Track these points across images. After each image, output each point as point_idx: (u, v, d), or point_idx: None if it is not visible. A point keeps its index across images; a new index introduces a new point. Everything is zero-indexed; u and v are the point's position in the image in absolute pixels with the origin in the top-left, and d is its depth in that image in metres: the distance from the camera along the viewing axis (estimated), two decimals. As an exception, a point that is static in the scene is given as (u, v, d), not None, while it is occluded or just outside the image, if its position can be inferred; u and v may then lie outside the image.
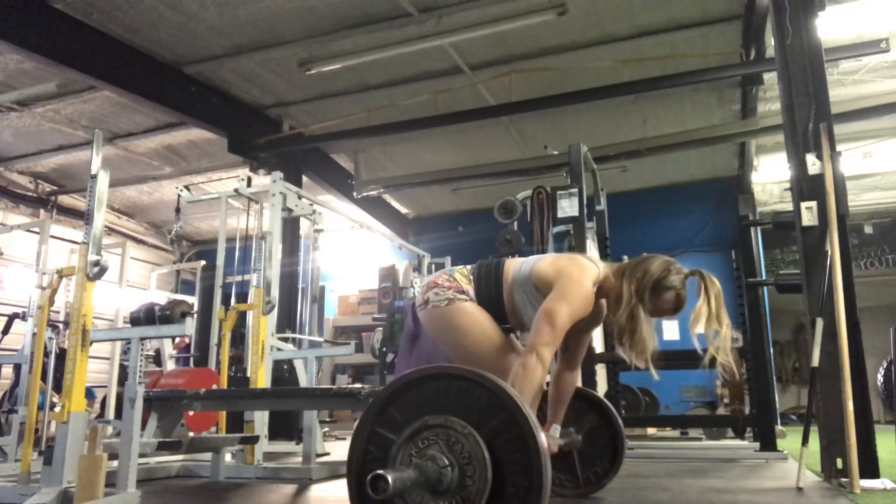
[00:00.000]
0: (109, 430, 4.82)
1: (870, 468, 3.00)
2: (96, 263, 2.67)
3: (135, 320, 5.88)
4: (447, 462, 1.58)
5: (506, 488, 1.57)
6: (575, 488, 2.75)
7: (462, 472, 1.58)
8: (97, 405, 7.37)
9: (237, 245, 6.06)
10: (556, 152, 7.22)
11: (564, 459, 2.69)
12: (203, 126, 7.11)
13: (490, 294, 2.37)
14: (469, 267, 2.46)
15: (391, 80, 6.79)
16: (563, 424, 2.60)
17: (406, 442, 1.63)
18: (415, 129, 7.01)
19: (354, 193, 8.46)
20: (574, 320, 2.19)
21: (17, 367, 5.14)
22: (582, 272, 2.24)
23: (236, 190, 5.65)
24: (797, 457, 3.09)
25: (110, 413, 5.82)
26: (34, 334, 3.93)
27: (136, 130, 7.83)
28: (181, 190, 5.97)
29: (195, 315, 6.28)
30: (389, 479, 1.44)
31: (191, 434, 3.60)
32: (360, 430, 1.72)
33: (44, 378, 4.16)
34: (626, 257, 10.33)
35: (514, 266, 2.39)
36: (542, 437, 1.58)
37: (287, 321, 6.88)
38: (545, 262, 2.32)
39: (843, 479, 2.97)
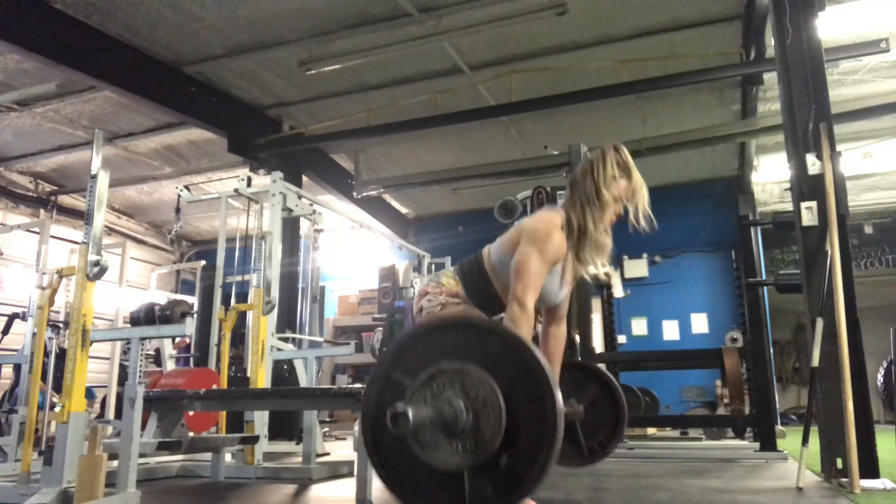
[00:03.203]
0: (109, 430, 4.82)
1: (870, 468, 3.00)
2: (96, 263, 2.67)
3: (135, 320, 5.89)
4: (463, 405, 1.58)
5: (519, 435, 1.57)
6: (579, 458, 2.77)
7: (477, 416, 1.58)
8: (97, 405, 7.37)
9: (237, 245, 6.06)
10: (556, 152, 7.22)
11: (567, 430, 2.70)
12: (203, 126, 7.11)
13: (480, 287, 2.38)
14: (452, 269, 2.48)
15: (391, 80, 6.78)
16: (565, 396, 2.60)
17: (422, 386, 1.63)
18: (415, 129, 7.00)
19: (354, 193, 8.46)
20: (548, 263, 2.18)
21: (17, 367, 5.14)
22: (541, 219, 2.25)
23: (236, 190, 5.65)
24: (797, 457, 3.09)
25: (110, 413, 5.82)
26: (34, 334, 3.93)
27: (136, 130, 7.83)
28: (181, 190, 5.97)
29: (195, 315, 6.28)
30: (410, 414, 1.45)
31: (191, 434, 3.60)
32: (377, 374, 1.73)
33: (44, 378, 4.17)
34: (625, 257, 10.38)
35: (490, 251, 2.40)
36: (557, 388, 1.59)
37: (287, 321, 6.88)
38: (509, 233, 2.33)
39: (843, 479, 2.97)
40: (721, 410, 7.37)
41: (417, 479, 1.64)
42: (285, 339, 6.21)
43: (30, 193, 9.48)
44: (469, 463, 1.57)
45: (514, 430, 1.57)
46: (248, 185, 5.70)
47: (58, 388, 3.02)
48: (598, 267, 2.27)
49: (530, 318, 2.12)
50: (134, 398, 2.70)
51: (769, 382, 5.79)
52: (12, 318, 5.82)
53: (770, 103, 6.95)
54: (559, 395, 1.58)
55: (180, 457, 4.12)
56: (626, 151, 2.29)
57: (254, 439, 3.79)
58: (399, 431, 1.46)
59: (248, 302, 4.55)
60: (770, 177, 8.79)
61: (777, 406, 8.45)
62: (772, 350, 8.70)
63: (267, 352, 4.47)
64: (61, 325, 5.65)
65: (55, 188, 9.67)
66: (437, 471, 1.61)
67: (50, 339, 4.53)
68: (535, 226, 2.22)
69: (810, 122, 3.41)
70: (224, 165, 8.68)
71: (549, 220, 2.22)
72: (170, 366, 6.18)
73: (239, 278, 6.00)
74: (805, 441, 3.06)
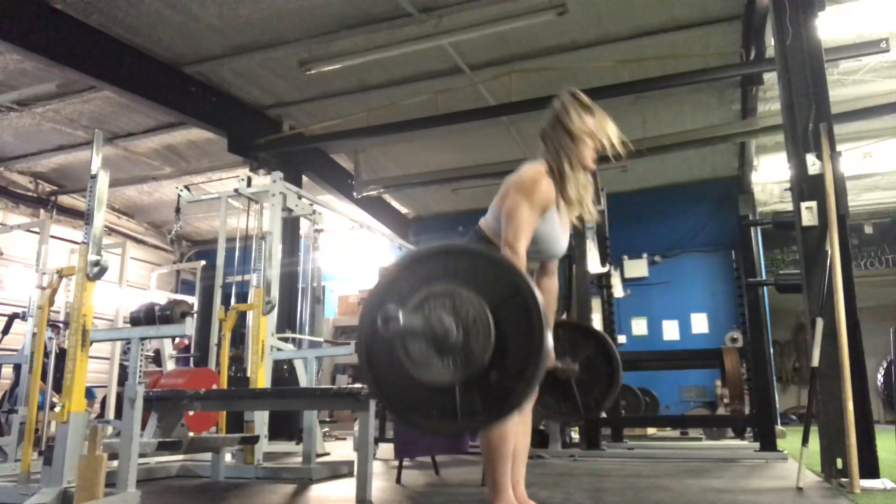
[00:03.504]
0: (109, 430, 4.82)
1: (870, 468, 3.00)
2: (96, 263, 2.67)
3: (135, 320, 5.88)
4: (453, 323, 1.63)
5: (507, 351, 1.62)
6: (575, 414, 2.84)
7: (467, 333, 1.63)
8: (97, 405, 7.37)
9: (237, 245, 6.06)
10: (556, 152, 7.21)
11: (564, 388, 2.79)
12: (203, 126, 7.11)
13: None
14: None
15: (391, 80, 6.79)
16: (560, 354, 2.65)
17: (414, 309, 1.67)
18: (415, 129, 7.00)
19: (354, 193, 8.46)
20: (537, 209, 2.16)
21: (17, 367, 5.14)
22: (526, 170, 2.24)
23: (236, 190, 5.65)
24: (797, 457, 3.09)
25: (110, 413, 5.82)
26: (34, 334, 3.92)
27: (136, 130, 7.83)
28: (181, 190, 5.97)
29: (195, 315, 6.28)
30: (401, 316, 1.50)
31: (191, 434, 3.60)
32: (371, 303, 1.77)
33: (44, 378, 4.16)
34: (625, 257, 10.36)
35: (486, 220, 2.36)
36: (544, 306, 1.63)
37: (287, 321, 6.88)
38: (499, 192, 2.31)
39: (843, 479, 2.97)
40: (721, 410, 7.37)
41: (410, 397, 1.69)
42: (285, 339, 6.21)
43: (30, 193, 9.48)
44: (460, 378, 1.62)
45: (503, 347, 1.62)
46: (248, 185, 5.70)
47: (58, 388, 3.02)
48: (586, 205, 2.29)
49: (522, 263, 2.11)
50: (134, 398, 2.70)
51: (769, 382, 5.79)
52: (12, 318, 5.82)
53: (770, 103, 6.95)
54: (546, 312, 1.62)
55: (180, 457, 4.12)
56: (581, 93, 2.32)
57: (254, 439, 3.79)
58: (389, 333, 1.50)
59: (248, 302, 4.54)
60: (770, 177, 8.79)
61: (777, 406, 8.46)
62: (772, 350, 8.71)
63: (267, 352, 4.47)
64: (61, 325, 5.65)
65: (55, 188, 9.67)
66: (429, 387, 1.66)
67: (50, 339, 4.53)
68: (521, 176, 2.22)
69: (810, 122, 3.41)
70: (224, 165, 8.68)
71: (535, 169, 2.23)
72: (170, 366, 6.18)
73: (239, 278, 6.00)
74: (805, 441, 3.06)
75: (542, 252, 2.26)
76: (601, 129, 2.31)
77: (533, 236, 2.17)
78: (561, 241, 2.31)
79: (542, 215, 2.19)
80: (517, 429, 2.14)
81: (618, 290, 6.77)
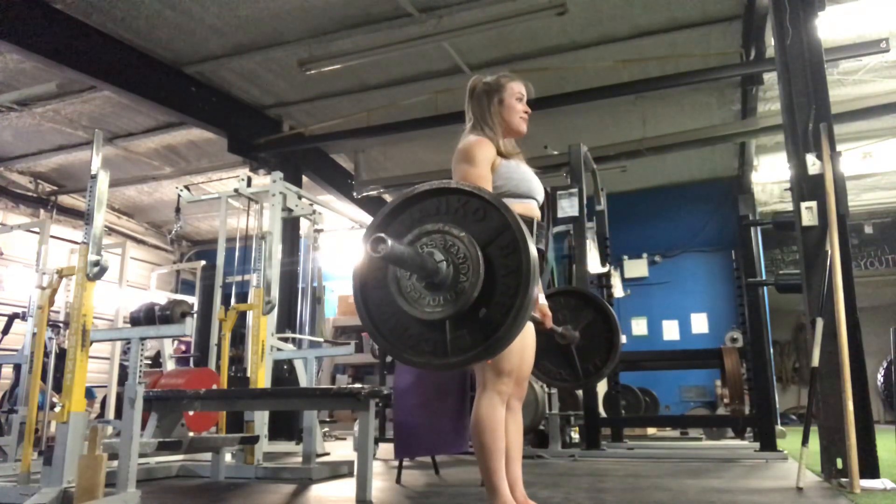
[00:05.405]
0: (109, 430, 4.82)
1: (870, 468, 3.00)
2: (96, 263, 2.67)
3: (135, 320, 5.88)
4: (444, 260, 1.66)
5: (497, 287, 1.65)
6: (576, 380, 2.90)
7: (457, 269, 1.66)
8: (97, 405, 7.37)
9: (237, 245, 6.06)
10: (556, 152, 7.22)
11: (565, 355, 2.85)
12: (203, 126, 7.11)
13: None
14: None
15: (391, 80, 6.79)
16: (561, 322, 2.72)
17: (407, 245, 1.69)
18: (415, 129, 7.00)
19: (354, 193, 8.46)
20: (484, 164, 2.17)
21: (17, 367, 5.13)
22: (460, 145, 2.27)
23: (236, 190, 5.66)
24: (797, 457, 3.09)
25: (110, 413, 5.83)
26: (34, 334, 3.93)
27: (136, 130, 7.83)
28: (181, 190, 5.97)
29: (195, 315, 6.28)
30: (389, 240, 1.51)
31: (191, 434, 3.60)
32: (364, 237, 1.78)
33: (44, 378, 4.17)
34: (625, 257, 10.34)
35: None
36: (532, 243, 1.65)
37: (287, 321, 6.89)
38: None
39: (843, 479, 2.97)
40: (721, 410, 7.37)
41: (404, 333, 1.74)
42: (285, 339, 6.21)
43: (30, 193, 9.48)
44: (450, 313, 1.65)
45: (492, 285, 1.65)
46: (248, 185, 5.71)
47: (58, 388, 3.02)
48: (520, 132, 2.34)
49: None
50: (134, 398, 2.70)
51: (769, 382, 5.79)
52: (12, 318, 5.82)
53: (770, 103, 6.96)
54: (533, 247, 1.64)
55: (180, 457, 4.12)
56: (486, 77, 2.38)
57: (254, 439, 3.79)
58: (378, 253, 1.51)
59: (248, 302, 4.55)
60: (770, 177, 8.79)
61: (777, 406, 8.46)
62: (772, 350, 8.70)
63: (267, 352, 4.47)
64: (61, 325, 5.65)
65: (55, 188, 9.67)
66: (421, 324, 1.70)
67: (50, 339, 4.53)
68: (458, 151, 2.24)
69: (810, 122, 3.41)
70: (224, 165, 8.68)
71: (467, 139, 2.25)
72: (170, 366, 6.18)
73: (239, 278, 6.00)
74: (805, 441, 3.06)
75: (522, 192, 2.23)
76: (516, 89, 2.36)
77: (502, 179, 2.19)
78: (532, 181, 2.29)
79: (496, 166, 2.20)
80: (509, 427, 2.14)
81: (618, 290, 6.77)
